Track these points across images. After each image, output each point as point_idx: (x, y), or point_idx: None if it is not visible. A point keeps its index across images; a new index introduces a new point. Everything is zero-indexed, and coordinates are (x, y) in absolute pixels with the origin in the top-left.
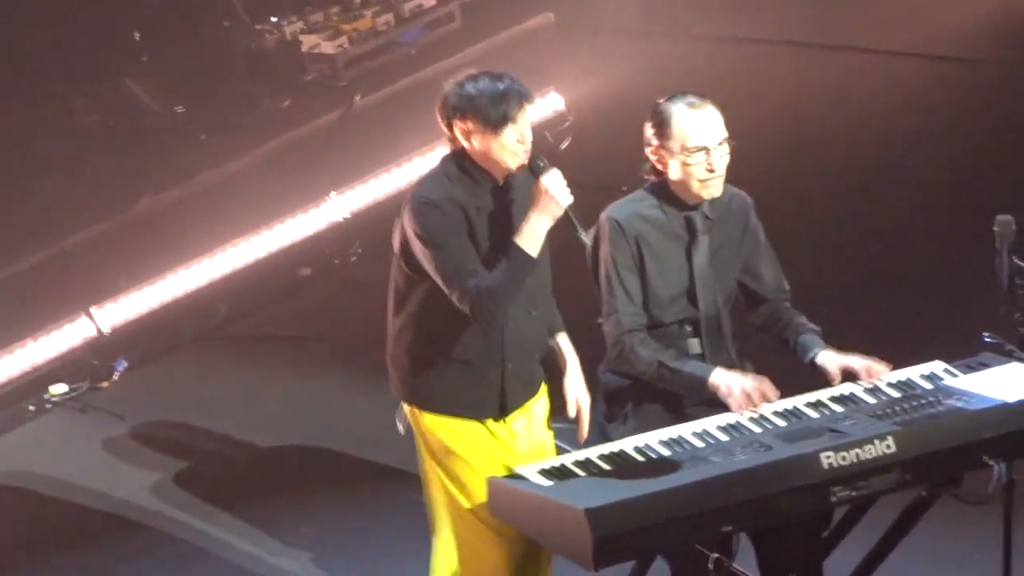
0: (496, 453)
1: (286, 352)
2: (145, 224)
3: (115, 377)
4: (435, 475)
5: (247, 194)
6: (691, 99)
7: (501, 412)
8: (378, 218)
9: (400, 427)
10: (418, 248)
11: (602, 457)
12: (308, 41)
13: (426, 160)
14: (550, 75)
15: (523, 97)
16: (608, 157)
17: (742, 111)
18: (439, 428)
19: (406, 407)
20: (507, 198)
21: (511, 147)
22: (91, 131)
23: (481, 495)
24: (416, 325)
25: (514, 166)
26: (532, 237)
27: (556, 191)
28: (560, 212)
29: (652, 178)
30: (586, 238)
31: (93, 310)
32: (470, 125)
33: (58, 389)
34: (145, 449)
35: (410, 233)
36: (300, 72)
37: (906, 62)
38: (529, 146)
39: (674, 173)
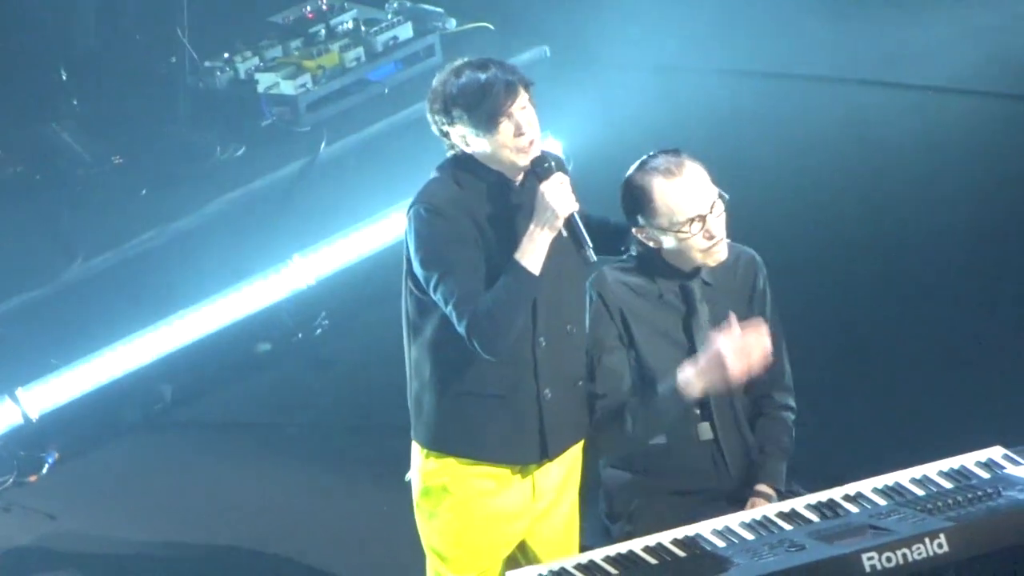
0: (504, 519)
1: (242, 440)
2: (78, 293)
3: (45, 470)
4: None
5: (196, 258)
6: (666, 165)
7: (542, 455)
8: (348, 285)
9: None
10: (417, 264)
11: (609, 560)
12: (265, 80)
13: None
14: (546, 117)
15: (512, 84)
16: (614, 208)
17: (759, 153)
18: (453, 473)
19: (420, 451)
20: (523, 201)
21: (510, 143)
22: (13, 185)
23: (460, 558)
24: (434, 356)
25: (522, 163)
26: (532, 252)
27: (554, 199)
28: (559, 224)
29: (641, 249)
30: (592, 255)
31: (18, 393)
32: (461, 130)
33: None
34: (79, 554)
35: (411, 248)
36: (256, 116)
37: (945, 97)
38: (535, 136)
39: (669, 245)
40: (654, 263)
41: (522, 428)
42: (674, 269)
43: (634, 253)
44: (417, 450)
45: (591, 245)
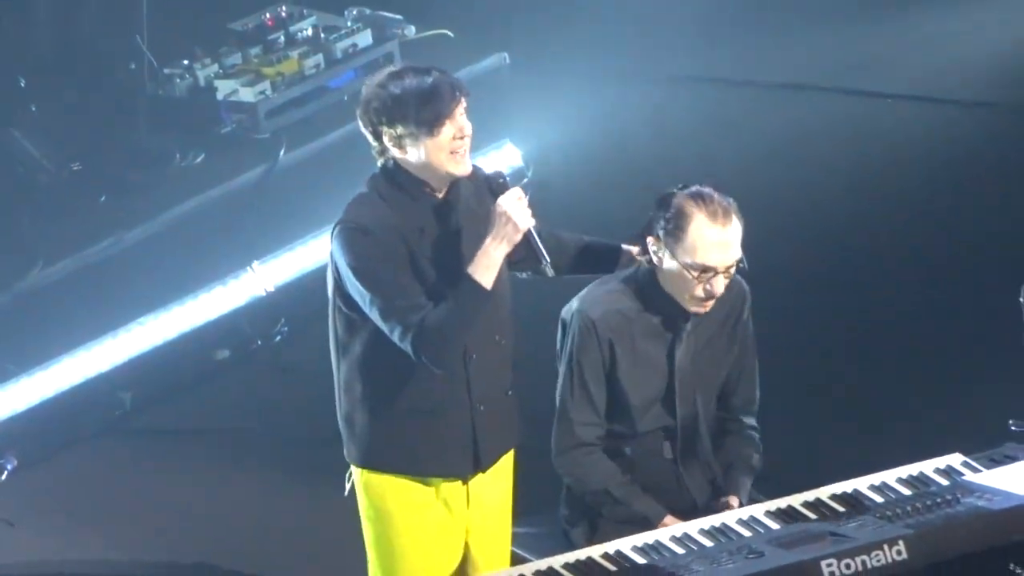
0: (445, 531)
1: (201, 447)
2: (37, 300)
3: (3, 478)
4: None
5: (155, 265)
6: (715, 208)
7: (476, 467)
8: (306, 292)
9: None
10: (351, 282)
11: (568, 567)
12: (225, 87)
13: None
14: (505, 124)
15: (456, 89)
16: (573, 217)
17: (723, 161)
18: (390, 490)
19: (357, 472)
20: (453, 215)
21: (447, 146)
22: None
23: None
24: (365, 374)
25: (457, 171)
26: (486, 266)
27: (514, 213)
28: (518, 238)
29: (645, 263)
30: (551, 270)
31: None
32: (400, 130)
33: None
34: (38, 561)
35: (342, 266)
36: (215, 123)
37: (911, 106)
38: (469, 143)
39: (669, 271)
40: (651, 288)
41: (456, 442)
42: (666, 296)
43: (631, 274)
44: (353, 469)
45: (548, 260)
